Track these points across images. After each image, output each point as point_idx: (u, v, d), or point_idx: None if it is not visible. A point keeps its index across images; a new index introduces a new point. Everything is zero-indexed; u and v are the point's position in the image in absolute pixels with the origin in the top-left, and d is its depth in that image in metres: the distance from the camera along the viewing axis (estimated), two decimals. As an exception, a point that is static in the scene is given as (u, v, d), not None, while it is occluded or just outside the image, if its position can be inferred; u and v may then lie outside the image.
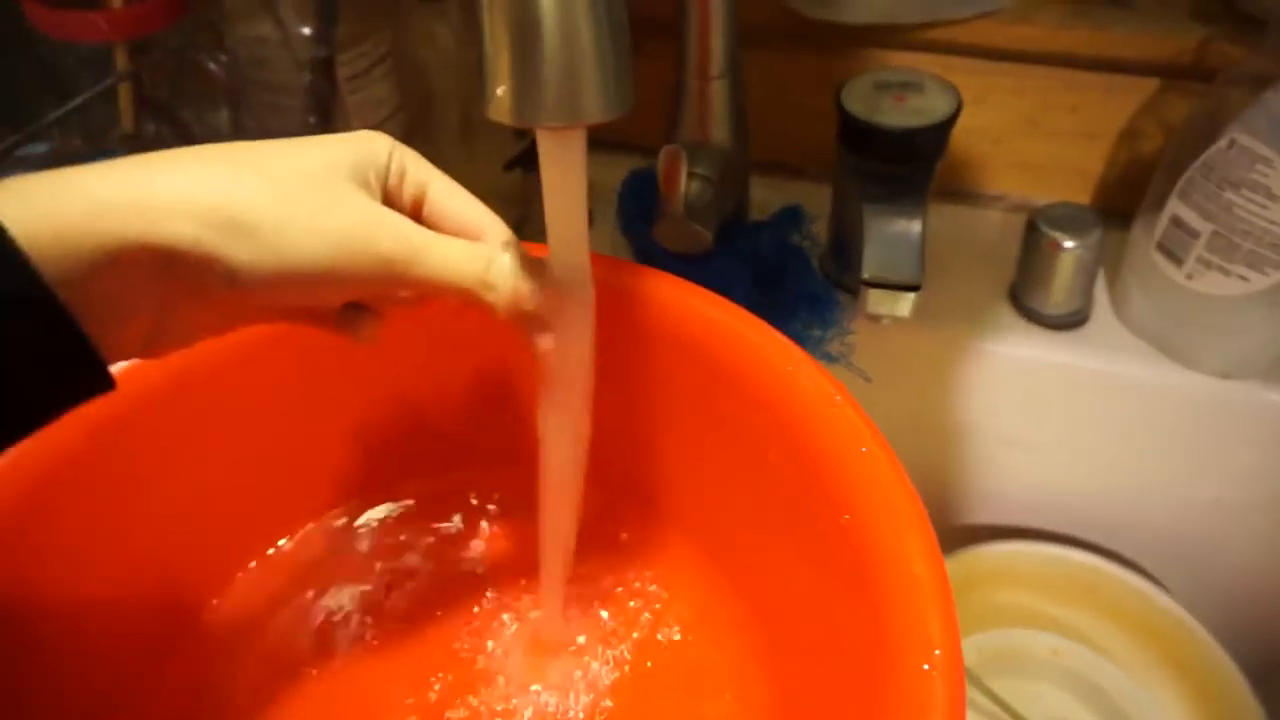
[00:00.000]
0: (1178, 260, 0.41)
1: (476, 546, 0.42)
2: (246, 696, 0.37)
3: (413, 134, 0.49)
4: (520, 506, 0.43)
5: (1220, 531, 0.48)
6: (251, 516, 0.40)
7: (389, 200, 0.27)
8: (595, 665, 0.37)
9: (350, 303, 0.28)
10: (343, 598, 0.40)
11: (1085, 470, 0.49)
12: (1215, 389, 0.43)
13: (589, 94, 0.23)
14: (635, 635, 0.38)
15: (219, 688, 0.37)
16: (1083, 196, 0.51)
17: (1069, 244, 0.43)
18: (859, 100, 0.41)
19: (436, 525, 0.43)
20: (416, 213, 0.28)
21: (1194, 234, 0.40)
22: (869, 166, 0.41)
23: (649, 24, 0.41)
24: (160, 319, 0.24)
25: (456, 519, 0.43)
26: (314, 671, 0.37)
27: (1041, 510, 0.51)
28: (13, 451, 0.31)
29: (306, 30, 0.43)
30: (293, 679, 0.37)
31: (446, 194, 0.28)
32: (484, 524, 0.43)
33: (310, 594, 0.40)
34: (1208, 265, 0.40)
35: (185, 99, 0.48)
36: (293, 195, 0.23)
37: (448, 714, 0.36)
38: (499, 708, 0.36)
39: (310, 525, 0.42)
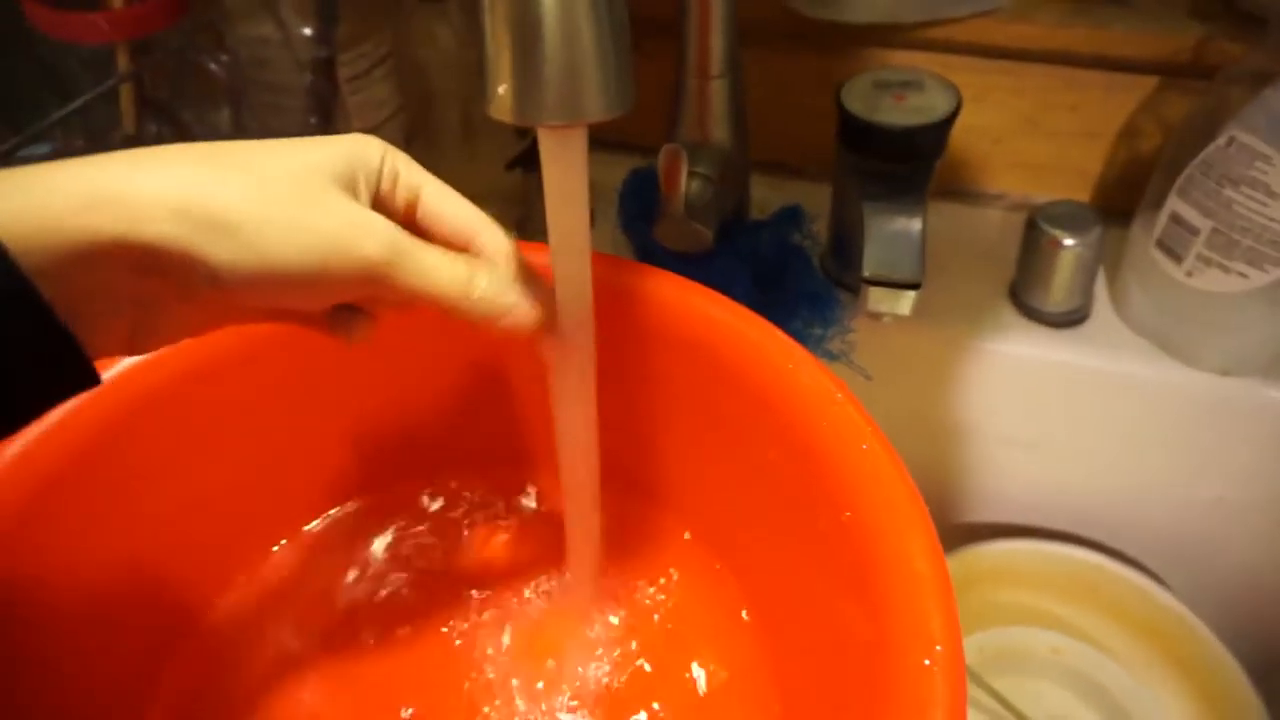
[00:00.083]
0: (1177, 258, 0.41)
1: (477, 546, 0.42)
2: (247, 697, 0.37)
3: (414, 134, 0.49)
4: (521, 506, 0.43)
5: (1221, 529, 0.48)
6: (251, 517, 0.40)
7: (382, 205, 0.27)
8: (598, 662, 0.37)
9: (343, 304, 0.28)
10: (342, 598, 0.40)
11: (1086, 468, 0.49)
12: (1215, 386, 0.43)
13: (590, 93, 0.23)
14: (638, 632, 0.38)
15: (219, 688, 0.37)
16: (1083, 195, 0.51)
17: (1069, 242, 0.43)
18: (859, 99, 0.41)
19: (437, 525, 0.43)
20: (410, 217, 0.28)
21: (1194, 231, 0.40)
22: (869, 165, 0.41)
23: (649, 23, 0.41)
24: (143, 316, 0.24)
25: (457, 519, 0.43)
26: (314, 672, 0.37)
27: (1042, 508, 0.51)
28: (14, 452, 0.31)
29: (307, 31, 0.43)
30: (293, 679, 0.37)
31: (440, 198, 0.28)
32: (486, 523, 0.43)
33: (310, 594, 0.40)
34: (1207, 262, 0.40)
35: (186, 99, 0.48)
36: (277, 196, 0.23)
37: (448, 715, 0.36)
38: (501, 708, 0.36)
39: (310, 525, 0.42)
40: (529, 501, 0.43)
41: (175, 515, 0.36)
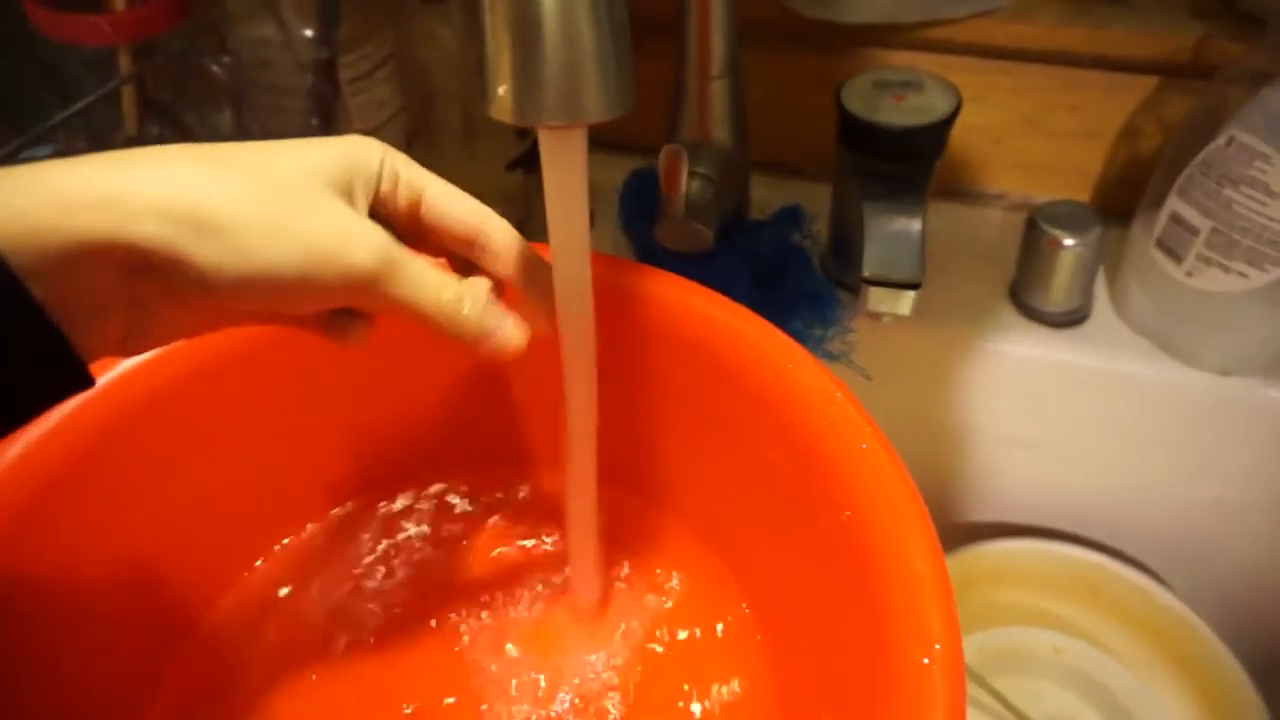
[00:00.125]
0: (1177, 257, 0.41)
1: (478, 546, 0.42)
2: (248, 697, 0.37)
3: (415, 135, 0.49)
4: (522, 505, 0.43)
5: (1222, 529, 0.48)
6: (252, 517, 0.40)
7: (383, 207, 0.27)
8: (599, 662, 0.37)
9: (339, 307, 0.27)
10: (344, 599, 0.40)
11: (1086, 468, 0.49)
12: (1215, 386, 0.43)
13: (590, 93, 0.24)
14: (639, 631, 0.38)
15: (220, 688, 0.37)
16: (1083, 195, 0.51)
17: (1069, 242, 0.43)
18: (859, 99, 0.42)
19: (437, 525, 0.43)
20: (414, 218, 0.28)
21: (1193, 231, 0.40)
22: (869, 165, 0.41)
23: (649, 24, 0.41)
24: (136, 317, 0.23)
25: (458, 518, 0.43)
26: (315, 671, 0.37)
27: (1043, 508, 0.51)
28: (15, 453, 0.31)
29: (309, 32, 0.43)
30: (295, 679, 0.37)
31: (443, 197, 0.28)
32: (486, 523, 0.43)
33: (311, 595, 0.40)
34: (1207, 262, 0.40)
35: (188, 101, 0.48)
36: (266, 198, 0.23)
37: (449, 714, 0.36)
38: (502, 708, 0.36)
39: (311, 525, 0.42)
40: (529, 501, 0.43)
41: (176, 516, 0.36)
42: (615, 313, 0.34)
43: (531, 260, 0.29)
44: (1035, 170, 0.52)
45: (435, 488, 0.44)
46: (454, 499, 0.44)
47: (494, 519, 0.43)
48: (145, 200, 0.21)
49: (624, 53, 0.24)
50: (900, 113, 0.41)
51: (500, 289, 0.29)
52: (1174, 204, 0.41)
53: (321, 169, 0.24)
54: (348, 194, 0.25)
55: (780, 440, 0.33)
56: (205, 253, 0.22)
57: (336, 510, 0.43)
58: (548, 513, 0.43)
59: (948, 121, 0.41)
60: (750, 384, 0.34)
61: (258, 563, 0.41)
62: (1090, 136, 0.49)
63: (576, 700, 0.36)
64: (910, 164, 0.41)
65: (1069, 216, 0.43)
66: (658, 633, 0.38)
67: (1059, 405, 0.47)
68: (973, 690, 0.45)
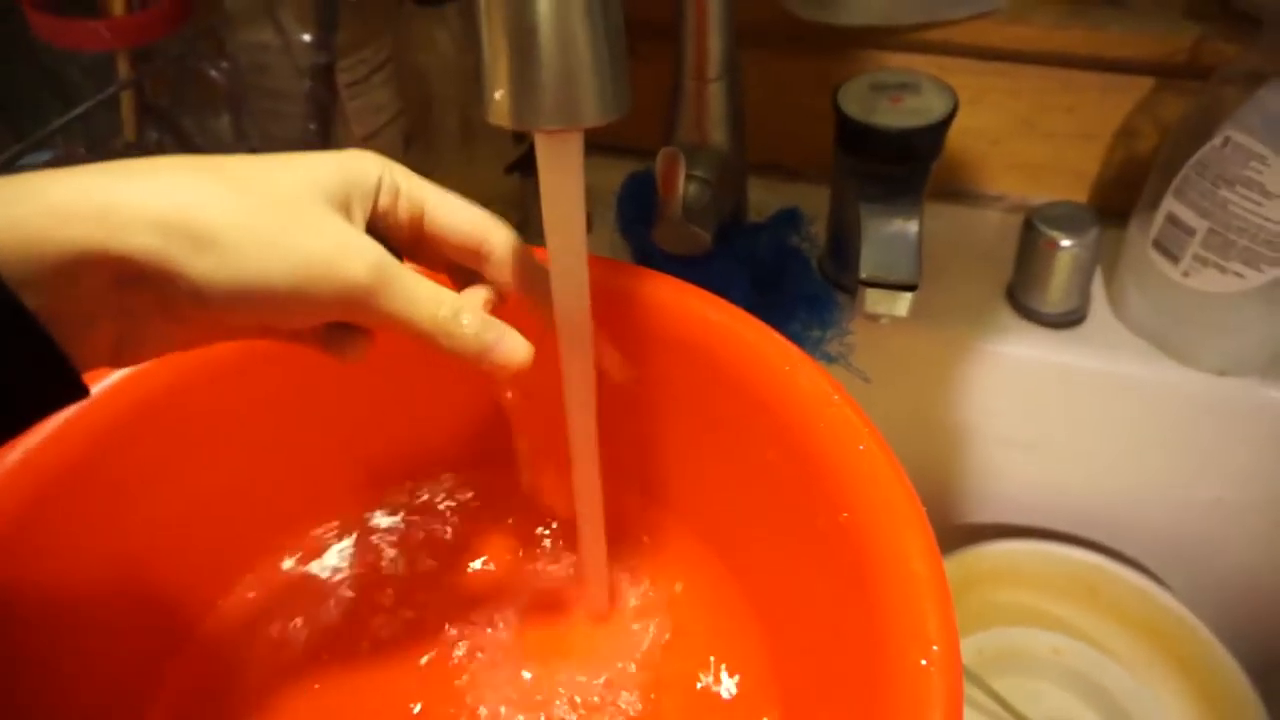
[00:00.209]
0: (1174, 258, 0.41)
1: (477, 550, 0.42)
2: (248, 698, 0.37)
3: (413, 139, 0.50)
4: (521, 508, 0.43)
5: (1220, 530, 0.48)
6: (251, 522, 0.40)
7: (384, 221, 0.27)
8: (601, 662, 0.37)
9: (337, 322, 0.27)
10: (343, 601, 0.40)
11: (1085, 468, 0.49)
12: (1213, 386, 0.43)
13: (586, 97, 0.24)
14: (639, 631, 0.38)
15: (221, 689, 0.37)
16: (1080, 196, 0.51)
17: (1066, 243, 0.43)
18: (856, 101, 0.42)
19: (437, 527, 0.43)
20: (416, 230, 0.28)
21: (1190, 231, 0.40)
22: (866, 167, 0.42)
23: (646, 26, 0.41)
24: (129, 329, 0.23)
25: (457, 521, 0.43)
26: (315, 674, 0.37)
27: (1042, 509, 0.51)
28: (16, 457, 0.31)
29: (307, 37, 0.43)
30: (294, 681, 0.37)
31: (445, 207, 0.28)
32: (487, 524, 0.43)
33: (310, 597, 0.40)
34: (1204, 263, 0.40)
35: (187, 106, 0.48)
36: (261, 212, 0.23)
37: (450, 715, 0.36)
38: (503, 709, 0.36)
39: (310, 531, 0.42)
40: (529, 503, 0.44)
41: (175, 520, 0.36)
42: (613, 315, 0.34)
43: (535, 268, 0.29)
44: (1032, 171, 0.52)
45: (434, 490, 0.44)
46: (453, 501, 0.44)
47: (493, 521, 0.43)
48: (140, 212, 0.21)
49: (620, 56, 0.24)
50: (897, 114, 0.41)
51: (503, 300, 0.29)
52: (1170, 205, 0.41)
53: (318, 183, 0.24)
54: (345, 208, 0.25)
55: (778, 442, 0.33)
56: (199, 265, 0.22)
57: (336, 516, 0.43)
58: (547, 515, 0.43)
59: (945, 123, 0.41)
60: (748, 386, 0.34)
61: (257, 568, 0.41)
62: (1087, 137, 0.49)
63: (576, 700, 0.36)
64: (907, 166, 0.41)
65: (1066, 217, 0.43)
66: (657, 633, 0.38)
67: (1057, 406, 0.47)
68: (971, 691, 0.45)
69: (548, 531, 0.42)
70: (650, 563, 0.41)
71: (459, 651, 0.38)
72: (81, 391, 0.22)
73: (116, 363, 0.24)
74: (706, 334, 0.35)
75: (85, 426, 0.33)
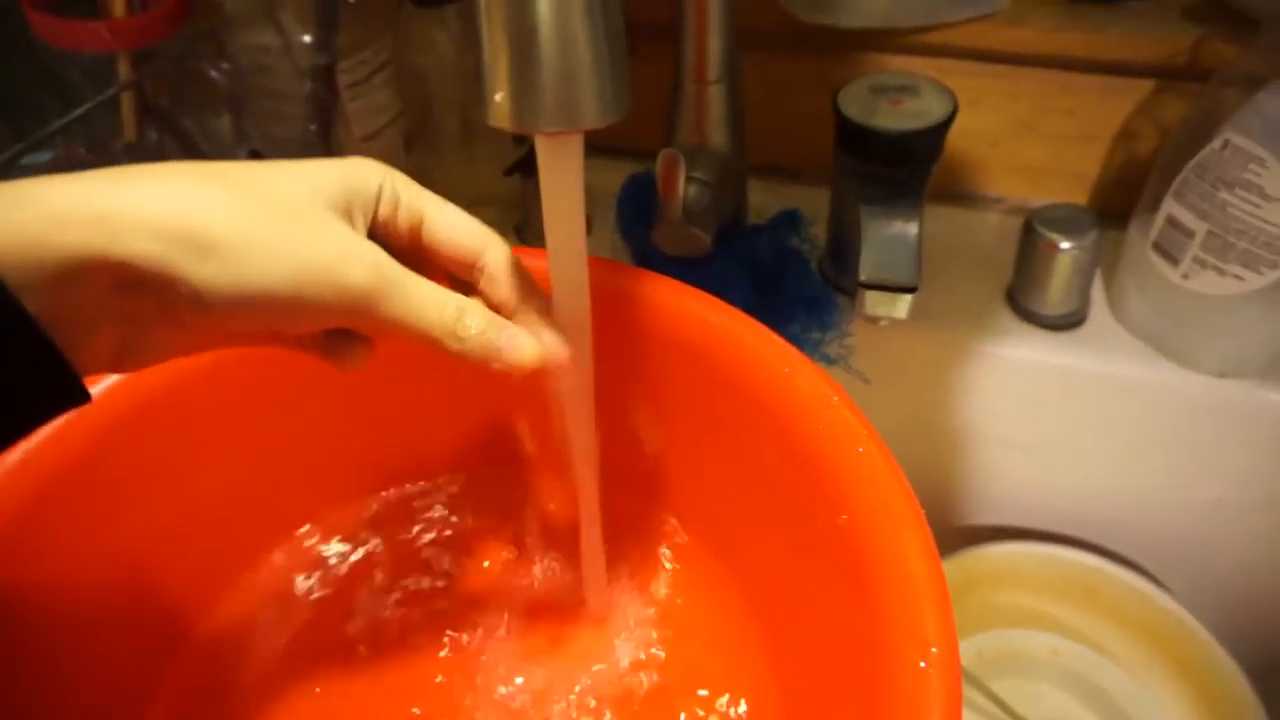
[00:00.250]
0: (1173, 260, 0.41)
1: (477, 551, 0.42)
2: (248, 698, 0.37)
3: (413, 140, 0.50)
4: (519, 509, 0.43)
5: (1220, 531, 0.48)
6: (250, 523, 0.40)
7: (384, 229, 0.27)
8: (600, 664, 0.37)
9: (338, 328, 0.27)
10: (341, 602, 0.40)
11: (1084, 470, 0.49)
12: (1212, 388, 0.43)
13: (586, 99, 0.24)
14: (638, 633, 0.38)
15: (221, 689, 0.37)
16: (1079, 198, 0.51)
17: (1066, 245, 0.43)
18: (855, 104, 0.42)
19: (436, 531, 0.43)
20: (415, 239, 0.28)
21: (1189, 234, 0.40)
22: (866, 169, 0.42)
23: (646, 27, 0.42)
24: (130, 335, 0.23)
25: (456, 522, 0.43)
26: (313, 675, 0.37)
27: (1041, 511, 0.51)
28: (16, 457, 0.31)
29: (307, 38, 0.43)
30: (293, 682, 0.37)
31: (443, 218, 0.28)
32: (485, 529, 0.43)
33: (308, 598, 0.40)
34: (1203, 265, 0.40)
35: (187, 107, 0.48)
36: (263, 218, 0.23)
37: (451, 716, 0.36)
38: (504, 709, 0.36)
39: (308, 528, 0.42)
40: (529, 505, 0.44)
41: (175, 520, 0.37)
42: (613, 317, 0.34)
43: (530, 286, 0.29)
44: (1032, 173, 0.52)
45: (433, 491, 0.44)
46: (452, 503, 0.44)
47: (493, 523, 0.43)
48: (141, 218, 0.21)
49: (620, 58, 0.24)
50: (897, 117, 0.41)
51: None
52: (1170, 207, 0.41)
53: (320, 190, 0.24)
54: (346, 215, 0.25)
55: (777, 444, 0.33)
56: (200, 271, 0.22)
57: (334, 514, 0.43)
58: (549, 515, 0.43)
59: (944, 125, 0.41)
60: (748, 388, 0.34)
61: (256, 566, 0.41)
62: (1086, 140, 0.50)
63: (576, 703, 0.36)
64: (907, 168, 0.41)
65: (1066, 219, 0.43)
66: (657, 635, 0.38)
67: (1056, 408, 0.47)
68: (971, 693, 0.45)
69: (547, 533, 0.42)
70: (649, 564, 0.41)
71: (459, 654, 0.38)
72: (83, 396, 0.22)
73: (118, 368, 0.24)
74: (706, 336, 0.35)
75: (85, 427, 0.33)
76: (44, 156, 0.45)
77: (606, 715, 0.36)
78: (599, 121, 0.24)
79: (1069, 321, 0.46)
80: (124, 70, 0.45)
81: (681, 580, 0.40)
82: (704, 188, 0.42)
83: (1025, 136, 0.50)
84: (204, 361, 0.35)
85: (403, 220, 0.27)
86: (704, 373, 0.35)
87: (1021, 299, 0.46)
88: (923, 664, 0.25)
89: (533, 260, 0.29)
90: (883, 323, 0.39)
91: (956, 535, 0.53)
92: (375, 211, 0.26)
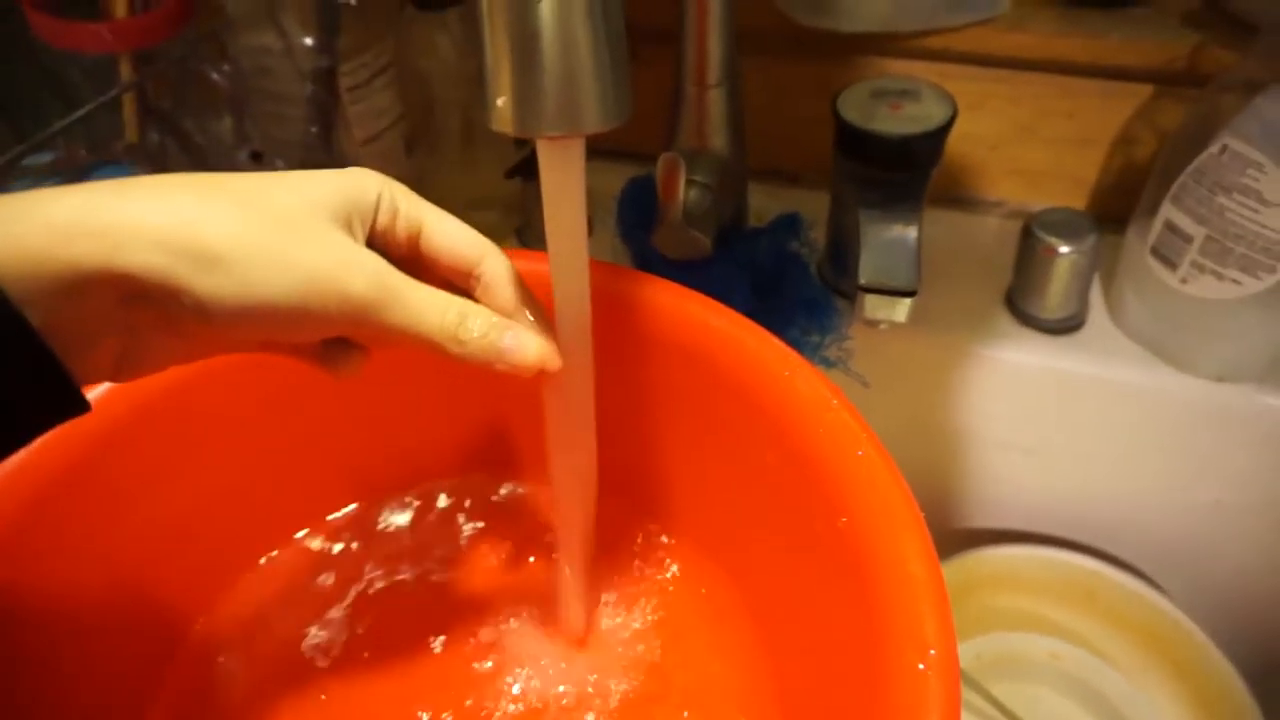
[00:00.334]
0: (1172, 265, 0.42)
1: (478, 556, 0.42)
2: (248, 699, 0.37)
3: (414, 143, 0.50)
4: (517, 511, 0.43)
5: (1218, 535, 0.48)
6: (249, 525, 0.40)
7: (382, 239, 0.27)
8: (600, 665, 0.37)
9: (335, 337, 0.27)
10: (337, 606, 0.40)
11: (1083, 474, 0.49)
12: (1211, 392, 0.43)
13: (588, 104, 0.24)
14: (638, 634, 0.38)
15: (220, 689, 0.37)
16: (1078, 202, 0.52)
17: (1064, 249, 0.43)
18: (855, 108, 0.42)
19: (435, 530, 0.43)
20: (413, 249, 0.28)
21: (1187, 239, 0.40)
22: (866, 173, 0.42)
23: (647, 31, 0.42)
24: (131, 345, 0.24)
25: (451, 526, 0.43)
26: (310, 678, 0.38)
27: (1040, 514, 0.51)
28: (15, 460, 0.31)
29: (309, 41, 0.43)
30: (291, 688, 0.37)
31: (442, 228, 0.28)
32: (482, 530, 0.43)
33: (306, 601, 0.40)
34: (1201, 269, 0.40)
35: (188, 109, 0.48)
36: (265, 228, 0.23)
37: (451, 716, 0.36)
38: (504, 710, 0.36)
39: (307, 534, 0.42)
40: (528, 508, 0.44)
41: (174, 522, 0.37)
42: (613, 320, 0.34)
43: (527, 297, 0.29)
44: (1031, 178, 0.52)
45: (427, 495, 0.44)
46: (447, 506, 0.44)
47: (490, 527, 0.43)
48: (143, 230, 0.21)
49: (621, 63, 0.24)
50: (897, 121, 0.41)
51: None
52: (1168, 211, 0.41)
53: (319, 200, 0.24)
54: (346, 225, 0.25)
55: (777, 447, 0.33)
56: (203, 282, 0.22)
57: (330, 517, 0.43)
58: (549, 517, 0.43)
59: (944, 130, 0.41)
60: (747, 391, 0.34)
61: (256, 570, 0.41)
62: (1086, 144, 0.50)
63: (577, 704, 0.36)
64: (907, 172, 0.41)
65: (1065, 224, 0.44)
66: (656, 636, 0.38)
67: (1055, 412, 0.47)
68: (970, 696, 0.45)
69: (547, 537, 0.42)
70: (648, 566, 0.41)
71: (459, 656, 0.38)
72: (83, 407, 0.22)
73: (118, 377, 0.24)
74: (706, 339, 0.35)
75: (84, 430, 0.33)
76: (45, 158, 0.45)
77: (606, 716, 0.36)
78: (601, 126, 0.24)
79: (1068, 325, 0.46)
80: (125, 71, 0.45)
81: (679, 583, 0.40)
82: (704, 191, 0.42)
83: (1025, 141, 0.51)
84: (203, 364, 0.35)
85: (401, 230, 0.27)
86: (704, 376, 0.35)
87: (1020, 303, 0.46)
88: (921, 666, 0.25)
89: (534, 263, 0.29)
90: (882, 326, 0.39)
91: (955, 538, 0.53)
92: (374, 221, 0.26)
